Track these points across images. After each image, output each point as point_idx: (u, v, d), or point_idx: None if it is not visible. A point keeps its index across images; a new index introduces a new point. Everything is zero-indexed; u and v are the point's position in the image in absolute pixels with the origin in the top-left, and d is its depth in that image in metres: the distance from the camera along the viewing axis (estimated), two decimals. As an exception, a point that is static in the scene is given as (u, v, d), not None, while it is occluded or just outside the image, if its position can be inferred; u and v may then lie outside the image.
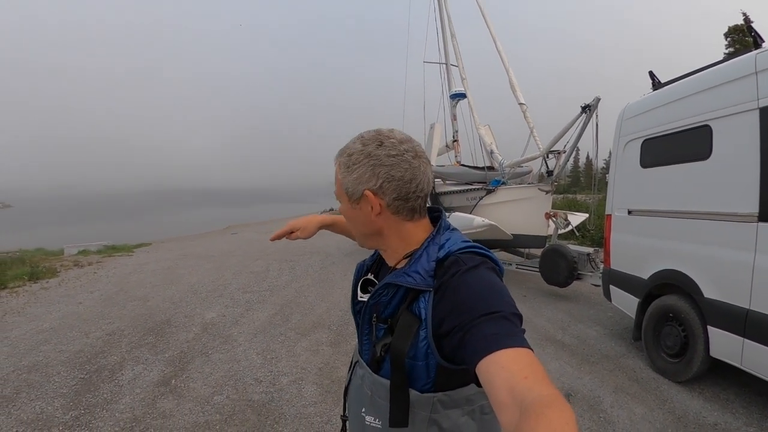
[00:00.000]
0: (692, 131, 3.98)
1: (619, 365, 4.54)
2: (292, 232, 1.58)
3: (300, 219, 1.60)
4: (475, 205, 9.33)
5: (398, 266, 1.10)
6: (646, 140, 4.62)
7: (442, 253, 1.02)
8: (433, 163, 11.17)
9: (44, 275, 10.57)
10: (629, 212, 4.86)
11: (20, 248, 16.64)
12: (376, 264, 1.25)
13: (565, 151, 7.93)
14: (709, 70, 3.97)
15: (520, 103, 9.78)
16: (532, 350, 0.80)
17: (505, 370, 0.75)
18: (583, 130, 7.12)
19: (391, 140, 1.04)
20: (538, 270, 7.38)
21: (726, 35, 20.90)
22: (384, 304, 1.05)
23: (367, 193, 1.03)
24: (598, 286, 6.04)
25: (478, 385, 0.83)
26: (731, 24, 20.12)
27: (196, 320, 6.36)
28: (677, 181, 4.17)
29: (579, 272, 6.73)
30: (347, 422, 1.29)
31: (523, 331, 0.87)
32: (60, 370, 4.69)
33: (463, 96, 12.95)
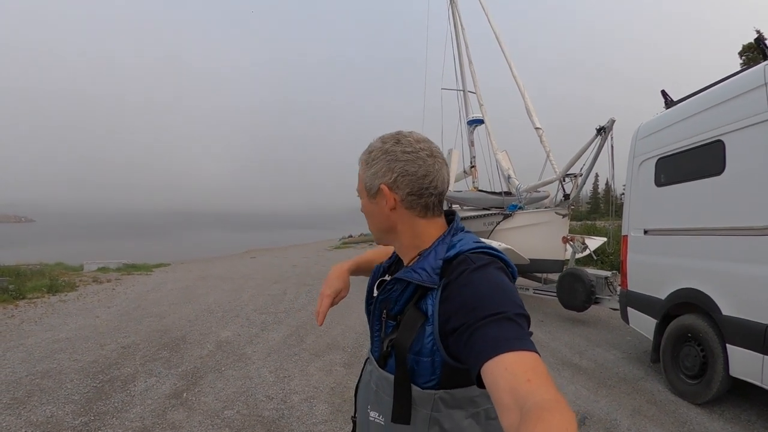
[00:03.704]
0: (705, 147, 3.95)
1: (637, 388, 4.43)
2: (334, 298, 1.32)
3: (330, 280, 1.34)
4: (492, 230, 9.30)
5: (410, 264, 1.11)
6: (660, 159, 4.60)
7: (452, 253, 1.02)
8: (450, 188, 11.22)
9: (63, 289, 10.77)
10: (645, 232, 4.80)
11: (41, 261, 16.95)
12: (393, 266, 1.27)
13: (581, 174, 7.89)
14: (719, 85, 3.97)
15: (537, 128, 9.81)
16: (537, 353, 0.80)
17: (508, 373, 0.74)
18: (599, 153, 7.10)
19: (408, 139, 1.08)
20: (555, 295, 7.28)
21: (740, 54, 20.70)
22: (393, 301, 1.06)
23: (383, 186, 1.07)
24: (617, 309, 5.93)
25: (480, 386, 0.82)
26: (745, 42, 19.86)
27: (211, 338, 6.39)
28: (692, 198, 4.13)
29: (597, 296, 6.63)
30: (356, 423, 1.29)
31: (530, 333, 0.86)
32: (73, 377, 4.76)
33: (480, 122, 13.03)
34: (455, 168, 11.99)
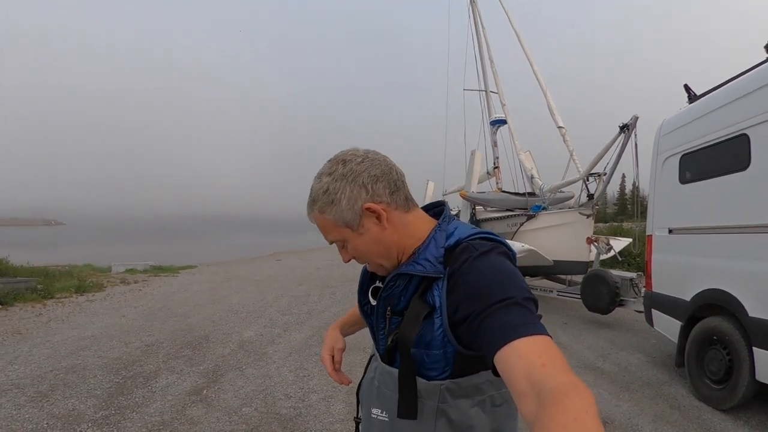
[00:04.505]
0: (729, 141, 3.83)
1: (660, 393, 4.31)
2: (332, 355, 1.34)
3: (324, 342, 1.39)
4: (516, 231, 9.21)
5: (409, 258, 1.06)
6: (683, 155, 4.48)
7: (452, 241, 1.00)
8: (473, 189, 11.12)
9: (91, 289, 11.09)
10: (670, 231, 4.68)
11: (70, 263, 17.43)
12: None
13: (605, 174, 7.76)
14: (743, 76, 3.85)
15: (559, 127, 9.70)
16: (549, 336, 0.79)
17: (522, 359, 0.73)
18: (623, 151, 6.96)
19: (349, 154, 1.02)
20: (579, 297, 7.15)
21: (766, 47, 20.07)
22: (397, 297, 1.03)
23: (367, 205, 0.98)
24: (642, 312, 5.79)
25: (495, 374, 0.81)
26: (771, 34, 19.16)
27: (233, 338, 6.49)
28: (716, 195, 4.01)
29: (621, 298, 6.48)
30: (360, 424, 1.27)
31: (539, 316, 0.85)
32: (96, 373, 4.90)
33: (503, 122, 12.94)
34: (478, 169, 11.87)
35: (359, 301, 1.21)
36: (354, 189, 0.98)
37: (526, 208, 9.50)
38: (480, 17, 13.47)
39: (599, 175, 7.90)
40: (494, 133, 13.76)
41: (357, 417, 1.28)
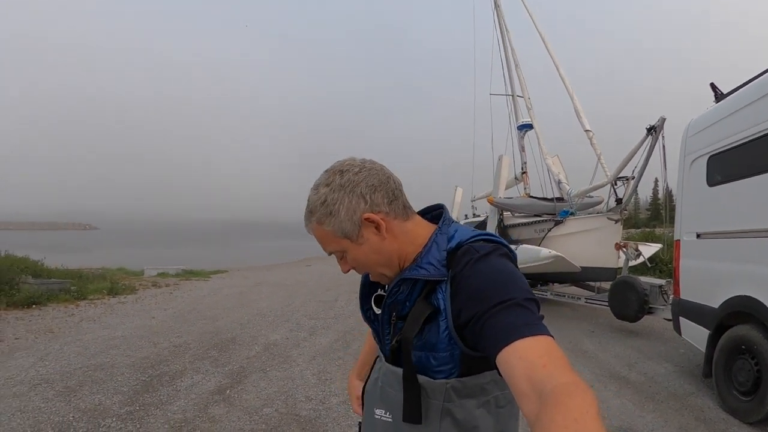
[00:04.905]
0: (759, 140, 3.70)
1: (686, 404, 4.16)
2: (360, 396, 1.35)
3: (353, 399, 1.46)
4: (544, 237, 9.08)
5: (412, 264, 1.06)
6: (711, 156, 4.35)
7: (453, 243, 1.01)
8: (501, 195, 11.02)
9: (123, 291, 11.43)
10: (698, 236, 4.54)
11: (103, 266, 17.94)
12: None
13: (633, 177, 7.60)
14: None
15: (586, 130, 9.53)
16: (551, 336, 0.79)
17: (523, 360, 0.74)
18: (650, 154, 6.81)
19: (347, 163, 1.02)
20: (607, 304, 7.01)
21: None
22: (401, 303, 1.02)
23: (366, 215, 0.98)
24: (670, 320, 5.63)
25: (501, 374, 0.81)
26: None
27: (260, 340, 6.60)
28: (746, 196, 3.87)
29: (650, 306, 6.31)
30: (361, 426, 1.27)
31: (541, 317, 0.85)
32: (124, 371, 5.06)
33: (530, 127, 12.79)
34: (506, 174, 11.73)
35: (362, 308, 1.21)
36: (352, 199, 0.97)
37: (554, 214, 9.36)
38: (504, 20, 13.41)
39: (627, 179, 7.73)
40: (522, 138, 13.61)
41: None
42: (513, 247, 9.03)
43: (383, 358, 1.12)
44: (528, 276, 9.77)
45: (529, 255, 7.70)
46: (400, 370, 1.02)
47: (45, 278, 11.14)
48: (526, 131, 13.40)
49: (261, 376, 4.97)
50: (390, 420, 1.07)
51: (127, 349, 5.98)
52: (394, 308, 1.05)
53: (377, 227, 0.99)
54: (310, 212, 1.01)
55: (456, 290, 0.94)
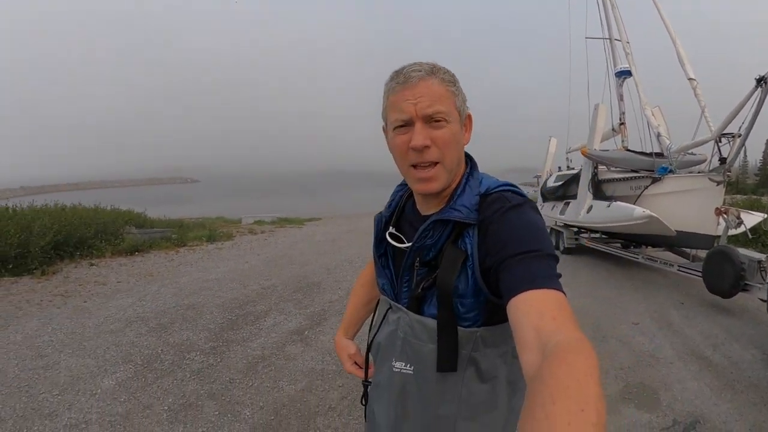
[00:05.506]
0: None
1: (767, 399, 3.80)
2: (353, 361, 1.36)
3: (342, 358, 1.39)
4: (639, 195, 8.49)
5: (431, 211, 1.06)
6: None
7: (483, 188, 1.02)
8: (596, 147, 10.38)
9: (220, 238, 12.35)
10: None
11: (203, 216, 19.26)
12: (393, 216, 1.20)
13: (740, 135, 6.83)
14: None
15: (690, 79, 8.61)
16: (565, 294, 0.79)
17: (534, 310, 0.74)
18: (760, 108, 6.06)
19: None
20: (700, 275, 6.54)
21: None
22: (429, 247, 1.02)
23: (470, 114, 1.04)
24: (766, 301, 5.17)
25: None
26: None
27: (344, 285, 6.94)
28: None
29: (746, 282, 5.77)
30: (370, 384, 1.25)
31: (560, 275, 0.85)
32: (213, 310, 5.64)
33: (628, 73, 11.76)
34: (601, 125, 10.93)
35: (376, 251, 1.18)
36: (464, 94, 1.03)
37: (652, 170, 8.66)
38: None
39: (733, 136, 6.95)
40: (620, 86, 12.53)
41: (365, 380, 1.27)
42: (606, 203, 8.49)
43: (400, 308, 1.09)
44: (619, 236, 9.30)
45: (622, 213, 7.34)
46: (429, 320, 1.01)
47: (148, 228, 12.08)
48: (625, 78, 12.32)
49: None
50: (411, 372, 1.06)
51: (219, 290, 6.59)
52: (419, 253, 1.04)
53: (468, 128, 1.05)
54: (433, 69, 0.97)
55: (484, 235, 0.95)
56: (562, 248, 10.70)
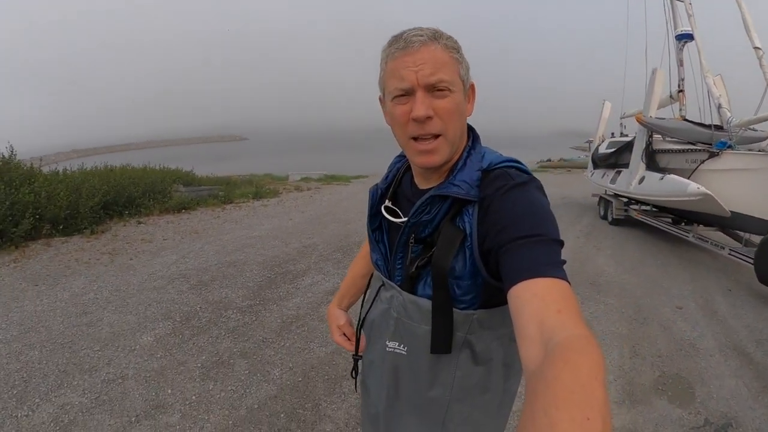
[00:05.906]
0: None
1: None
2: (342, 332, 1.35)
3: (332, 328, 1.38)
4: (695, 169, 7.93)
5: (429, 185, 1.02)
6: None
7: (485, 163, 0.96)
8: (652, 114, 9.72)
9: (266, 195, 12.53)
10: None
11: (251, 173, 19.64)
12: (389, 189, 1.15)
13: None
14: None
15: (756, 47, 7.80)
16: (569, 283, 0.74)
17: (538, 300, 0.70)
18: None
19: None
20: (752, 261, 6.04)
21: None
22: (425, 224, 0.97)
23: (474, 84, 0.99)
24: None
25: None
26: None
27: (384, 245, 6.87)
28: None
29: None
30: (361, 360, 1.26)
31: (563, 261, 0.79)
32: (253, 268, 5.79)
33: (690, 37, 10.81)
34: (659, 91, 10.20)
35: (370, 226, 1.13)
36: (467, 63, 0.97)
37: (710, 144, 8.05)
38: None
39: None
40: (680, 50, 11.58)
41: (356, 354, 1.25)
42: (659, 176, 8.02)
43: (393, 286, 1.06)
44: (670, 211, 8.79)
45: (675, 188, 6.98)
46: (423, 301, 0.97)
47: (195, 186, 12.36)
48: (686, 42, 11.32)
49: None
50: (404, 353, 1.04)
51: (261, 248, 6.73)
52: (415, 229, 0.99)
53: (471, 98, 1.00)
54: (436, 34, 0.91)
55: (485, 213, 0.89)
56: (610, 219, 10.33)
